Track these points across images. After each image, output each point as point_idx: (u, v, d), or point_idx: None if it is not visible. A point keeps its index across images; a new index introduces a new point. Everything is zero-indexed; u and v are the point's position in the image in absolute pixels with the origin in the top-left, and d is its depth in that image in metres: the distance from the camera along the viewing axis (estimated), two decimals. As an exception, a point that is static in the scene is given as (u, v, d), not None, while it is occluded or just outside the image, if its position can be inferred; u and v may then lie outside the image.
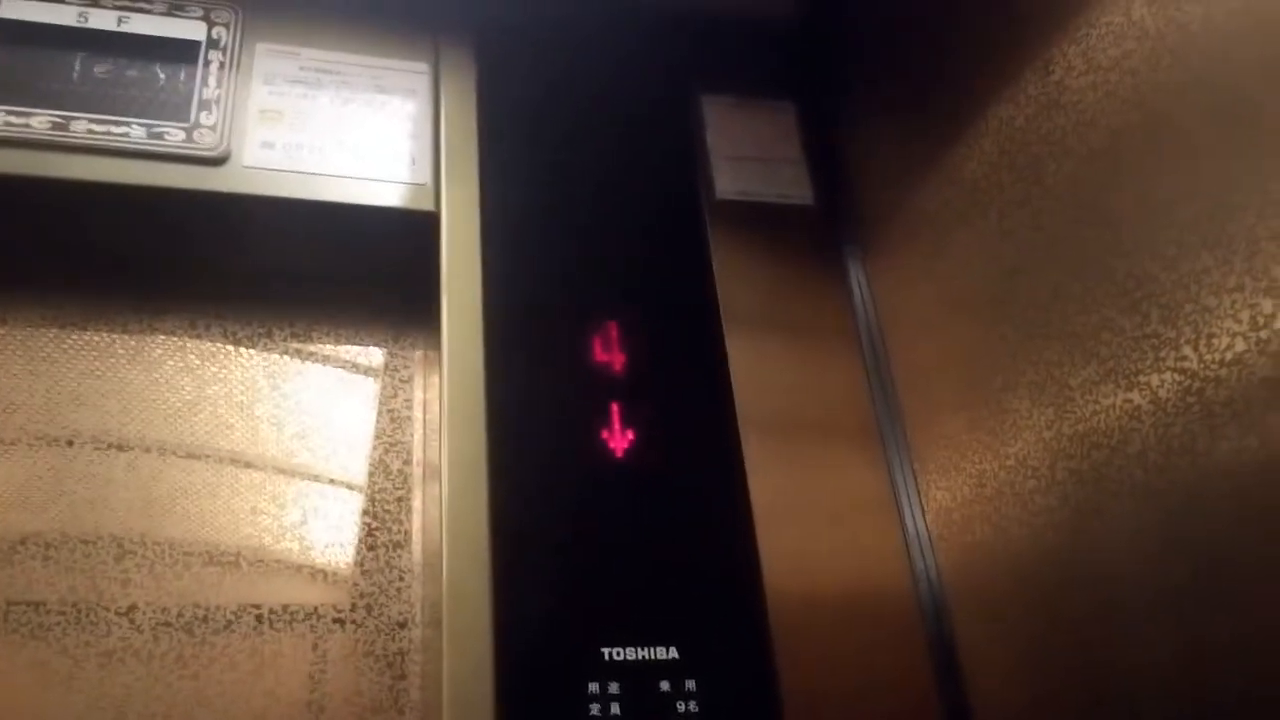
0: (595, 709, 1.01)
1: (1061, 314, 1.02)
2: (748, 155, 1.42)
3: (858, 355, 1.34)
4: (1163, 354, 0.89)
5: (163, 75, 1.24)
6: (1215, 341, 0.83)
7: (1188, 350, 0.86)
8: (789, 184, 1.42)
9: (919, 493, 1.24)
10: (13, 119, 1.16)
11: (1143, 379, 0.91)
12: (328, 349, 1.36)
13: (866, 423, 1.30)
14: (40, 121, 1.17)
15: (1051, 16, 1.05)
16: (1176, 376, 0.87)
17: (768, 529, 1.15)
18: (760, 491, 1.17)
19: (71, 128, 1.17)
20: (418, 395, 1.35)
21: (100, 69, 1.23)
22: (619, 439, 1.15)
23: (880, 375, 1.32)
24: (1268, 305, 0.79)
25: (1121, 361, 0.94)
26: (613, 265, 1.25)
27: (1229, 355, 0.82)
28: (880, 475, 1.27)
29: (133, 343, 1.28)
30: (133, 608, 1.15)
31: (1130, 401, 0.92)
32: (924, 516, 1.23)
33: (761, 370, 1.27)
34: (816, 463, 1.26)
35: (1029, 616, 1.06)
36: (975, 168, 1.16)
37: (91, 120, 1.18)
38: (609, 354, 1.19)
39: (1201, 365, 0.85)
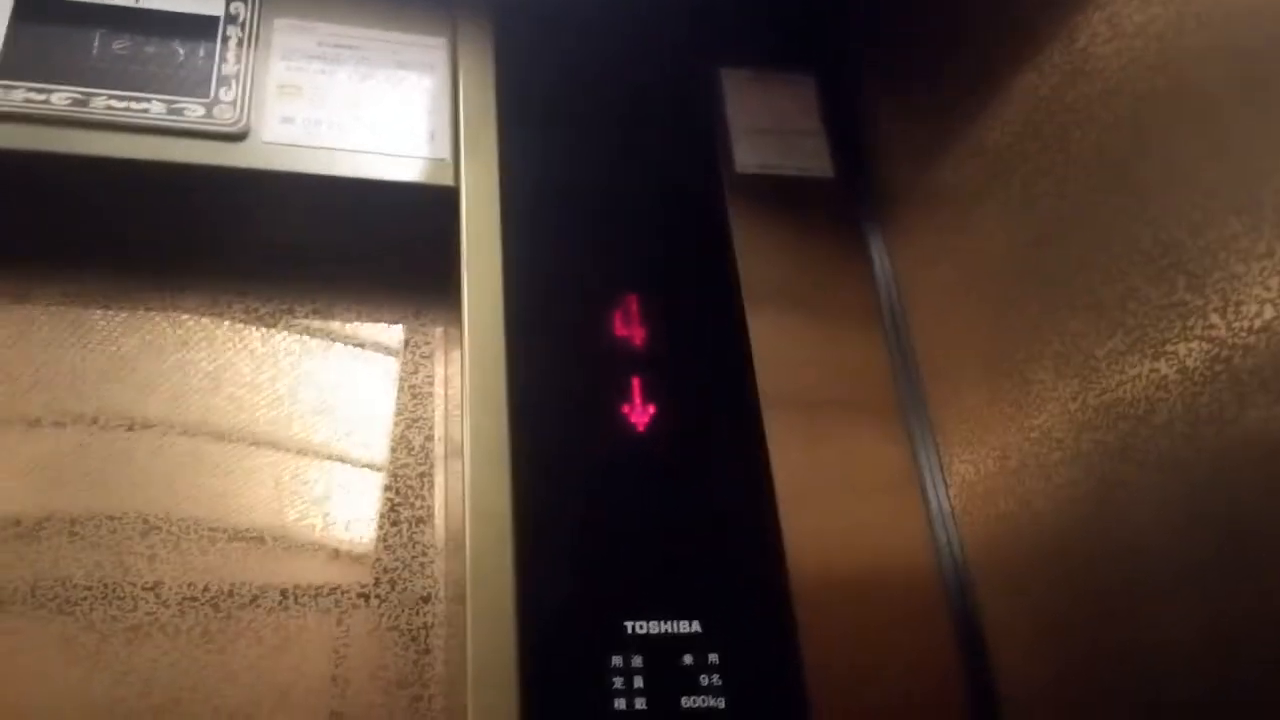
0: (618, 682, 1.01)
1: (1087, 284, 1.01)
2: (767, 128, 1.42)
3: (879, 330, 1.33)
4: (1190, 322, 0.88)
5: (182, 51, 1.24)
6: (1244, 309, 0.83)
7: (1215, 318, 0.85)
8: (809, 157, 1.41)
9: (942, 467, 1.24)
10: (33, 95, 1.16)
11: (1170, 348, 0.90)
12: (349, 325, 1.36)
13: (888, 398, 1.30)
14: (60, 98, 1.17)
15: (1076, -18, 1.04)
16: (1204, 345, 0.86)
17: (789, 506, 1.14)
18: (782, 469, 1.16)
19: (91, 104, 1.17)
20: (439, 371, 1.35)
21: (119, 45, 1.23)
22: (640, 413, 1.14)
23: (902, 349, 1.31)
24: (1298, 271, 0.78)
25: (1148, 331, 0.93)
26: (632, 239, 1.25)
27: (1258, 323, 0.81)
28: (903, 451, 1.27)
29: (155, 320, 1.29)
30: (159, 583, 1.16)
31: (1157, 371, 0.92)
32: (947, 491, 1.22)
33: (782, 346, 1.27)
34: (838, 439, 1.26)
35: (1053, 590, 1.06)
36: (999, 138, 1.15)
37: (111, 96, 1.18)
38: (629, 328, 1.18)
39: (1230, 333, 0.84)
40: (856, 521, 1.21)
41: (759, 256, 1.31)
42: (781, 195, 1.38)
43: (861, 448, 1.26)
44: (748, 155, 1.38)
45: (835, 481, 1.22)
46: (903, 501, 1.24)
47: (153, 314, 1.29)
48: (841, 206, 1.40)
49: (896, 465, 1.26)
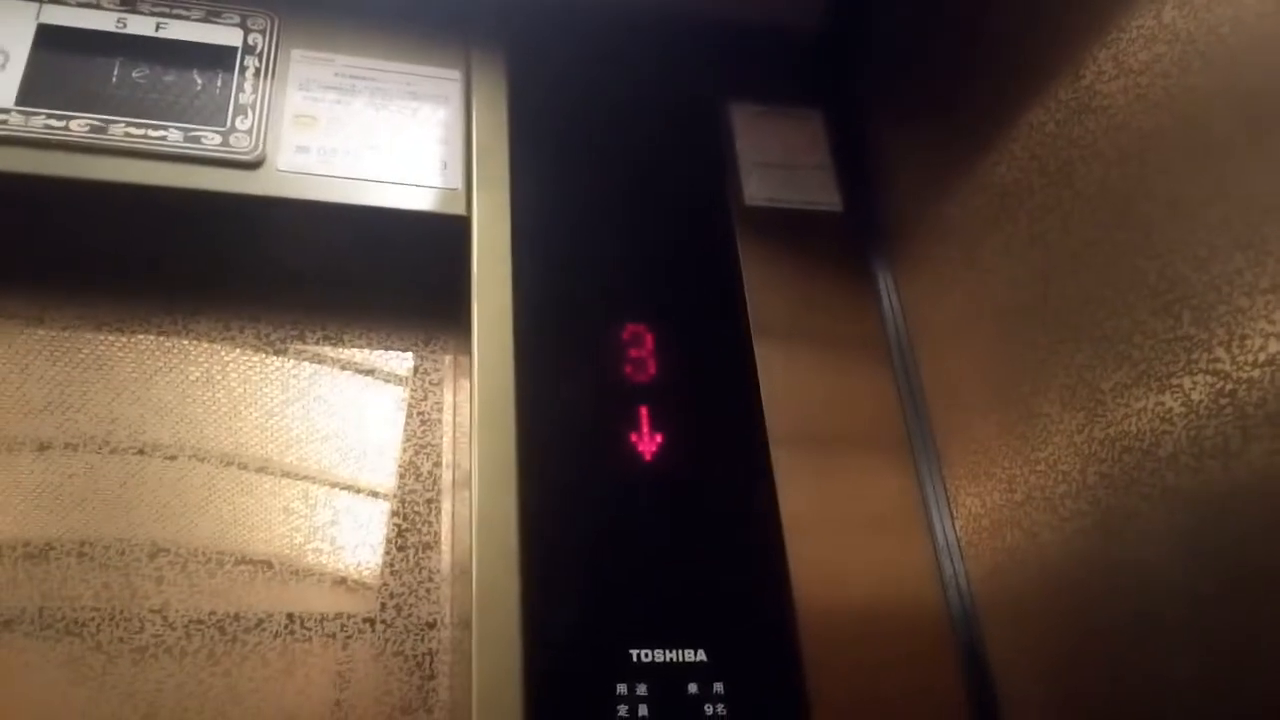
0: (623, 710, 1.01)
1: (1093, 318, 1.01)
2: (776, 162, 1.43)
3: (886, 363, 1.34)
4: (1195, 356, 0.89)
5: (199, 80, 1.26)
6: (1248, 342, 0.83)
7: (1220, 352, 0.86)
8: (817, 190, 1.43)
9: (948, 499, 1.24)
10: (52, 122, 1.18)
11: (1175, 381, 0.91)
12: (359, 352, 1.37)
13: (895, 432, 1.30)
14: (79, 125, 1.18)
15: (1082, 21, 1.05)
16: (1209, 379, 0.87)
17: (796, 538, 1.15)
18: (788, 501, 1.17)
19: (110, 131, 1.19)
20: (447, 398, 1.36)
21: (138, 74, 1.25)
22: (648, 442, 1.15)
23: (909, 382, 1.31)
24: (1302, 305, 0.79)
25: (1154, 364, 0.93)
26: (642, 270, 1.26)
27: (1262, 356, 0.82)
28: (909, 484, 1.27)
29: (167, 344, 1.30)
30: (165, 605, 1.16)
31: (1162, 404, 0.92)
32: (953, 523, 1.23)
33: (789, 378, 1.27)
34: (844, 472, 1.26)
35: (1059, 623, 1.06)
36: (1005, 173, 1.16)
37: (129, 124, 1.20)
38: (638, 358, 1.19)
39: (1234, 366, 0.85)
40: (863, 556, 1.21)
41: (767, 289, 1.32)
42: (790, 228, 1.39)
43: (868, 480, 1.26)
44: (756, 188, 1.40)
45: (841, 514, 1.22)
46: (909, 534, 1.24)
47: (165, 338, 1.30)
48: (849, 240, 1.41)
49: (903, 498, 1.26)
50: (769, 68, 1.53)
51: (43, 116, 1.18)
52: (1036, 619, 1.09)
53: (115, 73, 1.24)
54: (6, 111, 1.17)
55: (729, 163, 1.41)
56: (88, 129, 1.18)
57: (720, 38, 1.51)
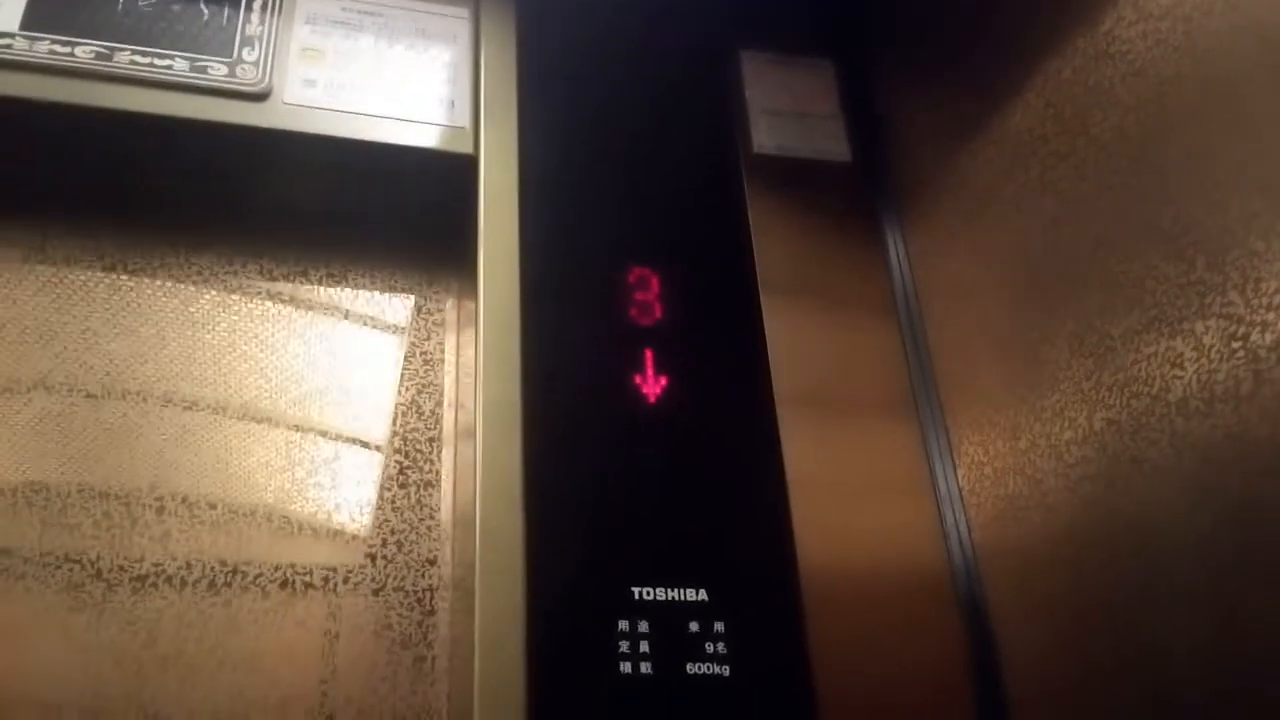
0: (624, 645, 1.01)
1: (1104, 263, 1.01)
2: (785, 110, 1.42)
3: (892, 318, 1.34)
4: (1208, 300, 0.88)
5: (206, 11, 1.25)
6: (1263, 285, 0.83)
7: (1234, 295, 0.86)
8: (826, 140, 1.42)
9: (951, 449, 1.24)
10: (58, 48, 1.16)
11: (1186, 326, 0.91)
12: (363, 290, 1.36)
13: (900, 387, 1.30)
14: (85, 51, 1.17)
15: (1102, -34, 1.04)
16: (1222, 322, 0.87)
17: (798, 492, 1.14)
18: (792, 455, 1.16)
19: (115, 58, 1.18)
20: (450, 339, 1.35)
21: (145, 2, 1.23)
22: (652, 384, 1.15)
23: (915, 337, 1.31)
24: (1320, 246, 0.79)
25: (1165, 309, 0.93)
26: (649, 214, 1.25)
27: (1277, 299, 0.82)
28: (914, 441, 1.26)
29: (170, 278, 1.29)
30: (166, 535, 1.16)
31: (1173, 349, 0.92)
32: (955, 472, 1.22)
33: (794, 336, 1.27)
34: (849, 430, 1.26)
35: (1062, 571, 1.06)
36: (1018, 122, 1.16)
37: (135, 51, 1.19)
38: (644, 301, 1.19)
39: (1248, 310, 0.84)
40: (866, 514, 1.21)
41: (773, 238, 1.32)
42: (798, 177, 1.39)
43: (872, 438, 1.26)
44: (765, 136, 1.39)
45: (845, 474, 1.22)
46: (913, 490, 1.24)
47: (168, 272, 1.29)
48: (857, 191, 1.40)
49: (907, 454, 1.26)
50: (781, 16, 1.51)
51: (47, 42, 1.16)
52: (1038, 568, 1.09)
53: (122, 0, 1.22)
54: (10, 36, 1.16)
55: (738, 110, 1.40)
56: (93, 55, 1.17)
57: (733, -16, 1.50)
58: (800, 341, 1.27)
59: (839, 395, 1.28)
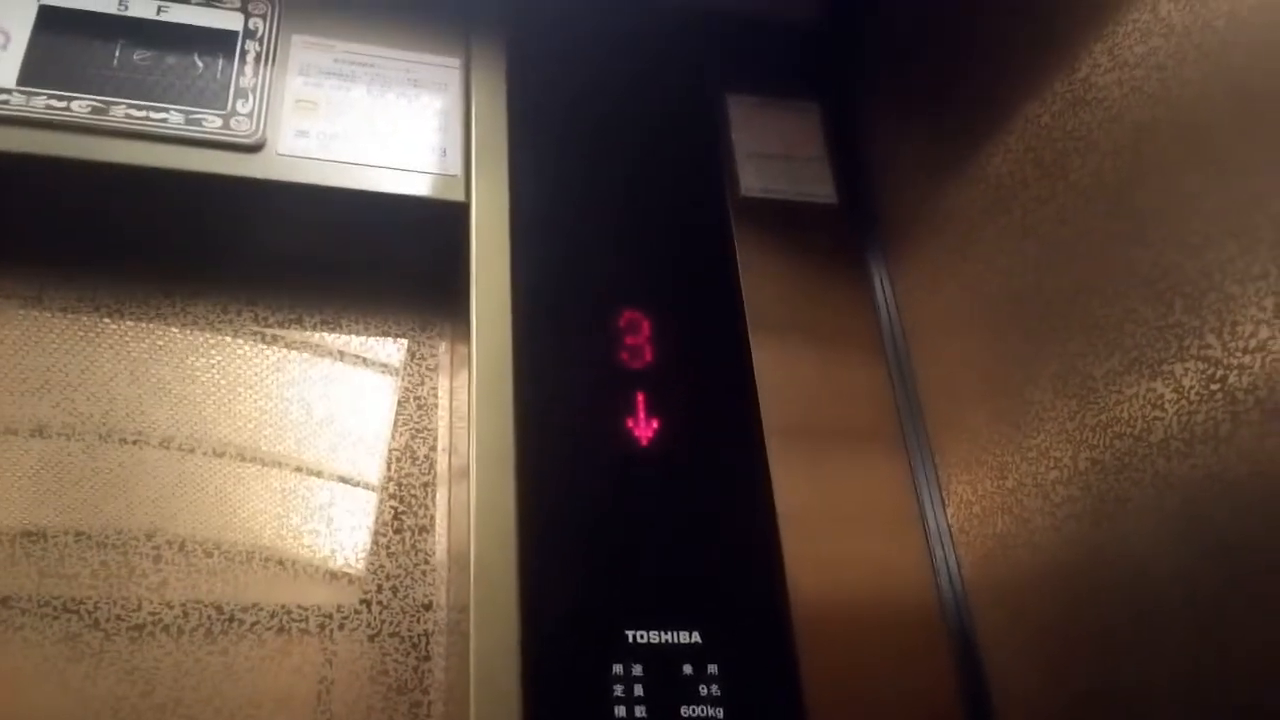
0: (619, 689, 1.02)
1: (1085, 307, 1.03)
2: (772, 153, 1.44)
3: (880, 355, 1.35)
4: (1186, 343, 0.90)
5: (200, 64, 1.27)
6: (1239, 329, 0.85)
7: (1211, 338, 0.88)
8: (812, 182, 1.44)
9: (940, 487, 1.25)
10: (54, 103, 1.18)
11: (1166, 368, 0.92)
12: (356, 336, 1.37)
13: (889, 423, 1.31)
14: (81, 106, 1.19)
15: (1078, 14, 1.07)
16: (1200, 365, 0.89)
17: (789, 529, 1.15)
18: (782, 492, 1.18)
19: (111, 112, 1.19)
20: (443, 383, 1.36)
21: (140, 56, 1.25)
22: (644, 427, 1.16)
23: (903, 374, 1.33)
24: (1293, 291, 0.80)
25: (1145, 351, 0.95)
26: (639, 258, 1.27)
27: (1253, 342, 0.83)
28: (903, 476, 1.28)
29: (165, 327, 1.30)
30: (164, 583, 1.17)
31: (1154, 390, 0.94)
32: (945, 511, 1.24)
33: (784, 372, 1.29)
34: (838, 465, 1.27)
35: (1050, 608, 1.07)
36: (1000, 165, 1.18)
37: (130, 105, 1.21)
38: (635, 345, 1.20)
39: (1225, 353, 0.86)
40: (855, 547, 1.22)
41: (762, 279, 1.33)
42: (785, 219, 1.41)
43: (861, 472, 1.27)
44: (752, 179, 1.41)
45: (834, 506, 1.24)
46: (902, 524, 1.25)
47: (163, 321, 1.30)
48: (844, 231, 1.42)
49: (896, 489, 1.27)
50: (766, 60, 1.54)
51: (44, 97, 1.18)
52: (1028, 605, 1.11)
53: (117, 55, 1.24)
54: (8, 92, 1.17)
55: (725, 153, 1.42)
56: (89, 110, 1.19)
57: (719, 29, 1.52)
58: (790, 379, 1.29)
59: (828, 430, 1.29)
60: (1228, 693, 0.86)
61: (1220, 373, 0.87)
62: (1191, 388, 0.90)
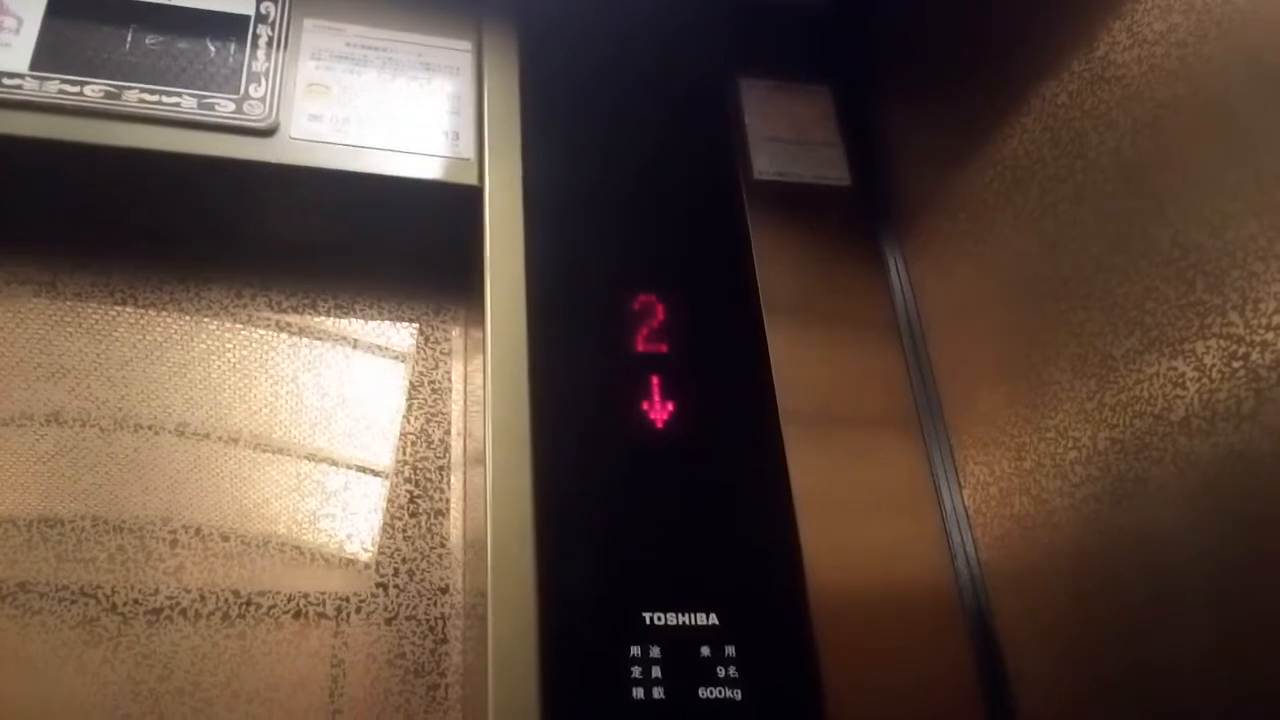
0: (637, 671, 1.02)
1: (1104, 285, 1.02)
2: (785, 137, 1.44)
3: (895, 339, 1.35)
4: (1208, 321, 0.90)
5: (213, 48, 1.26)
6: (1262, 306, 0.84)
7: (1234, 316, 0.87)
8: (826, 166, 1.44)
9: (956, 469, 1.25)
10: (66, 87, 1.18)
11: (1187, 346, 0.92)
12: (371, 321, 1.37)
13: (904, 407, 1.31)
14: (93, 90, 1.18)
15: (1096, -8, 1.06)
16: (1222, 342, 0.88)
17: (804, 513, 1.15)
18: (797, 479, 1.17)
19: (124, 96, 1.19)
20: (457, 367, 1.36)
21: (152, 41, 1.25)
22: (659, 410, 1.16)
23: (918, 357, 1.32)
24: (1317, 267, 0.80)
25: (1166, 330, 0.94)
26: (653, 241, 1.27)
27: (1276, 319, 0.83)
28: (919, 460, 1.27)
29: (179, 312, 1.30)
30: (180, 568, 1.17)
31: (1175, 369, 0.93)
32: (961, 493, 1.23)
33: (798, 357, 1.28)
34: (854, 450, 1.26)
35: (1069, 590, 1.07)
36: (1016, 146, 1.17)
37: (143, 90, 1.20)
38: (650, 328, 1.20)
39: (1248, 330, 0.86)
40: (872, 533, 1.22)
41: (775, 263, 1.33)
42: (798, 202, 1.40)
43: (877, 457, 1.27)
44: (766, 162, 1.41)
45: (851, 494, 1.23)
46: (919, 508, 1.24)
47: (177, 306, 1.30)
48: (858, 215, 1.42)
49: (912, 473, 1.26)
50: (779, 43, 1.53)
51: (57, 82, 1.18)
52: (1046, 587, 1.10)
53: (129, 39, 1.24)
54: (20, 76, 1.17)
55: (739, 136, 1.42)
56: (102, 94, 1.19)
57: (732, 13, 1.52)
58: (805, 361, 1.29)
59: (844, 414, 1.29)
60: (1251, 674, 0.86)
61: (1243, 350, 0.86)
62: (1213, 366, 0.89)
